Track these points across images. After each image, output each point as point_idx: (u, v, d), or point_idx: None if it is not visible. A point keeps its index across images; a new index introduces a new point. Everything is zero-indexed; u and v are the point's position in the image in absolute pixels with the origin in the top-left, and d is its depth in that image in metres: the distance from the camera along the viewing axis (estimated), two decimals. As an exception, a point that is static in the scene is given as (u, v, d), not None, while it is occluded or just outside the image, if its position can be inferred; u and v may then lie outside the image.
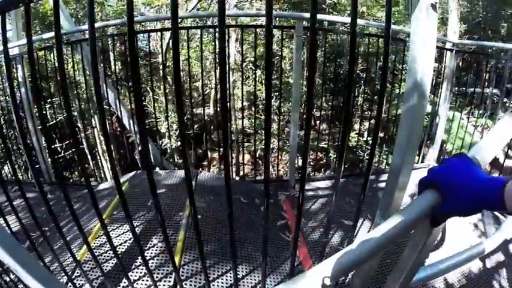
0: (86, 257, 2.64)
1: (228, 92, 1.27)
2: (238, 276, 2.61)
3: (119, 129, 6.71)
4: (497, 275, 3.18)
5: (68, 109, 1.36)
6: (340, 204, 3.75)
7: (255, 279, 2.63)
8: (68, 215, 3.48)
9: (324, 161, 9.39)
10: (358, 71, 8.75)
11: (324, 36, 5.56)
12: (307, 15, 3.61)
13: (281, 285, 1.05)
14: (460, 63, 4.75)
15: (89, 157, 8.75)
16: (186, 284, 2.43)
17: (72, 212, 1.60)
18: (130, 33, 1.07)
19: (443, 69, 4.80)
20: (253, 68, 8.14)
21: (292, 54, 6.70)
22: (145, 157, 1.40)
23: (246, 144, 8.34)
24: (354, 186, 4.23)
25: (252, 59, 8.28)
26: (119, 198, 3.31)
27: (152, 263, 2.59)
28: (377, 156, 7.07)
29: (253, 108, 8.78)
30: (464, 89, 6.18)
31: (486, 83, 8.46)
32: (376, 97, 8.91)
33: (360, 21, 5.30)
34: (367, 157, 9.22)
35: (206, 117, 9.19)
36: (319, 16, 4.10)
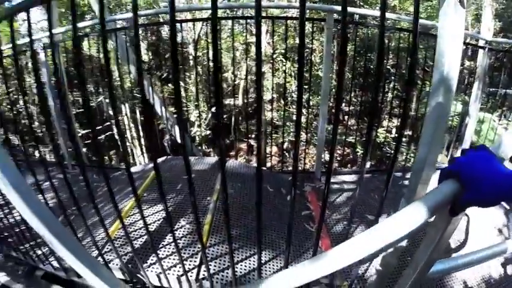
0: (116, 234, 2.78)
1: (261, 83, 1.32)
2: (261, 261, 2.69)
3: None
4: None
5: (112, 95, 1.46)
6: (365, 199, 3.78)
7: (277, 266, 2.70)
8: (99, 196, 3.66)
9: (351, 156, 9.36)
10: (388, 67, 8.62)
11: (354, 29, 5.52)
12: (338, 7, 3.62)
13: (307, 261, 1.11)
14: (493, 62, 4.64)
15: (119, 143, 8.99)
16: (210, 265, 2.54)
17: (109, 189, 1.71)
18: (172, 24, 1.15)
19: (475, 68, 4.70)
20: (283, 60, 8.16)
21: (322, 47, 6.69)
22: (183, 143, 1.48)
23: (274, 136, 8.39)
24: (379, 182, 4.24)
25: (282, 50, 8.30)
26: (148, 182, 3.48)
27: (179, 243, 2.71)
28: (404, 154, 7.00)
29: (281, 101, 8.82)
30: (496, 89, 6.01)
31: None
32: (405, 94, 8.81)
33: (391, 15, 5.25)
34: (393, 153, 9.20)
35: (235, 108, 9.27)
36: (350, 9, 4.08)
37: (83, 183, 1.83)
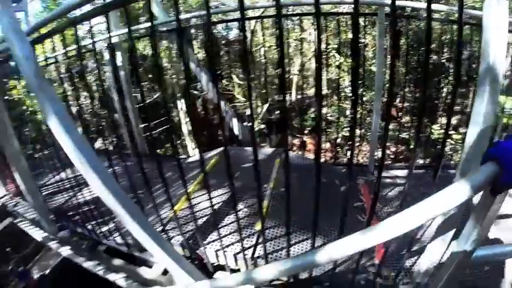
0: (179, 213, 3.08)
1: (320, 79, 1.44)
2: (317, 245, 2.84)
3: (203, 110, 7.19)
4: None
5: (187, 89, 1.66)
6: (417, 194, 3.80)
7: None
8: (159, 182, 3.95)
9: (405, 154, 9.21)
10: (443, 60, 8.38)
11: (406, 23, 5.44)
12: (389, 1, 3.64)
13: (362, 230, 1.25)
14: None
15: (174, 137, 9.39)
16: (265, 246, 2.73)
17: (180, 171, 1.93)
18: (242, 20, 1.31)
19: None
20: (336, 56, 8.18)
21: (374, 41, 6.65)
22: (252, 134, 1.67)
23: (327, 131, 8.44)
24: (431, 179, 4.22)
25: (334, 45, 8.31)
26: (208, 169, 3.72)
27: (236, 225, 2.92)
28: (459, 152, 6.82)
29: (334, 96, 8.85)
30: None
31: None
32: (464, 89, 8.54)
33: (443, 7, 5.16)
34: (448, 150, 8.91)
35: (288, 104, 9.40)
36: (402, 2, 4.06)
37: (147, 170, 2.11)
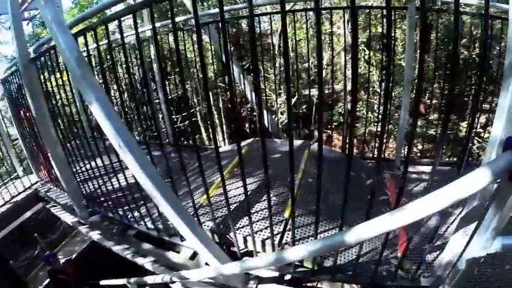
0: (213, 196, 3.25)
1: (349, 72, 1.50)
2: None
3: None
4: None
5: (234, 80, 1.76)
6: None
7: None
8: (191, 170, 4.08)
9: (432, 151, 9.12)
10: (474, 56, 8.22)
11: (437, 16, 5.37)
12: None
13: (387, 214, 1.32)
14: None
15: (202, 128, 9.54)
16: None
17: (217, 155, 2.05)
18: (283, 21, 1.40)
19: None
20: (365, 50, 8.15)
21: (404, 35, 6.59)
22: (261, 127, 1.77)
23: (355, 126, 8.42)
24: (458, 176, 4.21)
25: (363, 40, 8.27)
26: (238, 160, 3.83)
27: (265, 212, 3.07)
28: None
29: (362, 91, 8.82)
30: None
31: None
32: (491, 87, 8.38)
33: (473, 1, 5.10)
34: (475, 149, 8.75)
35: (313, 98, 9.43)
36: None
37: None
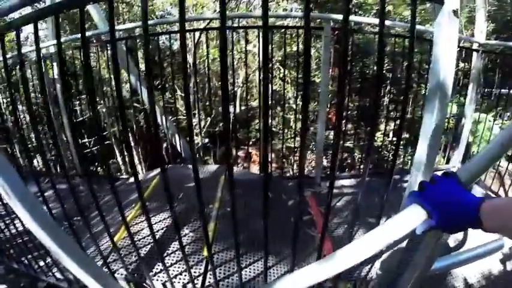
0: (120, 243, 2.82)
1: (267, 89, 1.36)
2: (269, 265, 2.73)
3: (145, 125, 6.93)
4: None
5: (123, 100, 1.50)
6: (365, 202, 3.82)
7: (281, 271, 2.74)
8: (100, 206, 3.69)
9: (349, 161, 9.42)
10: (384, 71, 8.70)
11: (351, 36, 5.59)
12: (335, 16, 3.72)
13: (313, 264, 1.16)
14: (488, 64, 4.70)
15: (117, 153, 9.00)
16: (216, 272, 2.58)
17: (115, 196, 1.75)
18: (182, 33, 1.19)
19: (470, 70, 4.77)
20: (280, 68, 8.26)
21: (318, 53, 6.75)
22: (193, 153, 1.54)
23: (272, 142, 8.42)
24: (378, 185, 4.29)
25: (279, 58, 8.37)
26: (150, 191, 3.51)
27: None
28: (402, 157, 7.05)
29: (278, 108, 8.90)
30: (491, 89, 6.08)
31: None
32: (402, 97, 8.86)
33: (386, 22, 5.33)
34: (391, 157, 9.20)
35: (232, 116, 9.33)
36: (351, 17, 4.19)
37: (83, 193, 1.88)
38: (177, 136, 5.08)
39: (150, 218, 3.11)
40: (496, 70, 5.60)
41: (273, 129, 9.00)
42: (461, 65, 5.98)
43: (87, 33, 4.83)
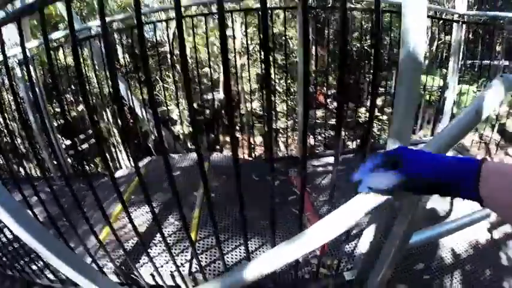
0: (108, 239, 2.79)
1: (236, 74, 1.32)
2: (251, 249, 2.74)
3: (131, 120, 6.85)
4: (504, 246, 3.25)
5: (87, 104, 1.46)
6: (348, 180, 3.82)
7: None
8: (87, 204, 3.66)
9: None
10: (366, 47, 8.68)
11: (328, 13, 5.55)
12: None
13: (282, 243, 1.15)
14: (469, 35, 4.70)
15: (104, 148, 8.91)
16: (202, 258, 2.60)
17: (94, 194, 1.72)
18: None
19: (451, 42, 4.77)
20: (260, 51, 8.19)
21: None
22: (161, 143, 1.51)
23: (258, 125, 8.41)
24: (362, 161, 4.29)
25: (259, 41, 8.29)
26: (135, 184, 3.48)
27: (170, 240, 2.76)
28: (385, 132, 7.09)
29: (263, 91, 8.83)
30: (474, 61, 6.11)
31: (497, 55, 8.31)
32: (384, 72, 8.87)
33: None
34: (376, 132, 9.27)
35: (217, 103, 9.27)
36: None
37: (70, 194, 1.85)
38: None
39: (137, 210, 3.14)
40: (478, 41, 5.61)
41: (259, 112, 8.98)
42: (446, 38, 5.99)
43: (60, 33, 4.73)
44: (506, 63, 6.92)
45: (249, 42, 7.23)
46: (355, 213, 1.15)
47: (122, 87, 4.68)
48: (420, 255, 2.97)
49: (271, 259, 1.29)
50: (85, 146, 9.30)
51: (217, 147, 8.36)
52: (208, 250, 2.66)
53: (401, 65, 1.42)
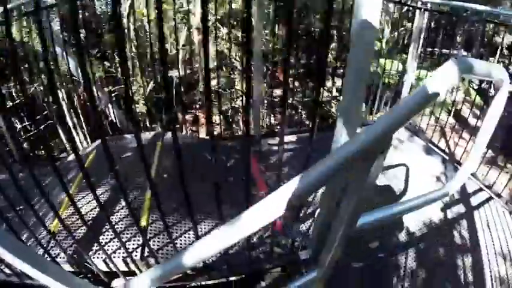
0: (60, 227, 2.66)
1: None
2: (205, 230, 2.71)
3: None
4: (457, 225, 3.39)
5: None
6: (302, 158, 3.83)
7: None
8: (44, 187, 3.47)
9: (296, 118, 9.45)
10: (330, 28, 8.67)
11: None
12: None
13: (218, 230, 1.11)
14: (431, 23, 4.80)
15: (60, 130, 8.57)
16: (155, 241, 2.55)
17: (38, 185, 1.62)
18: None
19: (412, 28, 4.85)
20: (220, 27, 8.04)
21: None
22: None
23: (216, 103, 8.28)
24: (321, 140, 4.30)
25: (218, 17, 8.11)
26: (87, 166, 3.34)
27: (122, 223, 2.68)
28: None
29: (224, 68, 8.69)
30: (435, 49, 6.26)
31: (458, 45, 8.53)
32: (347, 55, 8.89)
33: None
34: (335, 112, 9.37)
35: (176, 79, 9.07)
36: None
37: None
38: (110, 107, 4.89)
39: (88, 194, 2.99)
40: (439, 30, 5.74)
41: (220, 90, 8.85)
42: (408, 24, 6.08)
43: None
44: (465, 53, 7.11)
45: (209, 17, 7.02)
46: (288, 198, 1.10)
47: (72, 63, 4.46)
48: (375, 233, 3.03)
49: (208, 244, 1.25)
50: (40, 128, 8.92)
51: (178, 126, 8.21)
52: (161, 233, 2.59)
53: (352, 43, 1.37)
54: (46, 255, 2.21)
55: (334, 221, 1.58)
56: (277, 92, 8.48)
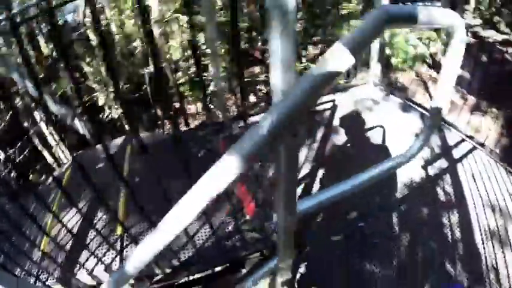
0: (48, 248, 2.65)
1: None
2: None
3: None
4: (440, 181, 3.32)
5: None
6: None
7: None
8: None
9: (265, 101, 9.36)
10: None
11: None
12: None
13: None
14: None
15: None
16: (131, 248, 2.57)
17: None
18: None
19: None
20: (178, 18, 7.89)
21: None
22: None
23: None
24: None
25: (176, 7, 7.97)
26: (66, 182, 3.29)
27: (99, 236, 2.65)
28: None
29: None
30: (407, 3, 6.13)
31: None
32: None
33: None
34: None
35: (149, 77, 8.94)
36: None
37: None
38: (76, 121, 4.84)
39: (68, 213, 2.96)
40: None
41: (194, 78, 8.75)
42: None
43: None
44: (439, 4, 6.98)
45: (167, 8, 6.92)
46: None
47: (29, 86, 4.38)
48: (353, 200, 2.96)
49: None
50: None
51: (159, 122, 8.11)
52: (139, 237, 2.59)
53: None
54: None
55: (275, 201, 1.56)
56: (256, 69, 8.45)
